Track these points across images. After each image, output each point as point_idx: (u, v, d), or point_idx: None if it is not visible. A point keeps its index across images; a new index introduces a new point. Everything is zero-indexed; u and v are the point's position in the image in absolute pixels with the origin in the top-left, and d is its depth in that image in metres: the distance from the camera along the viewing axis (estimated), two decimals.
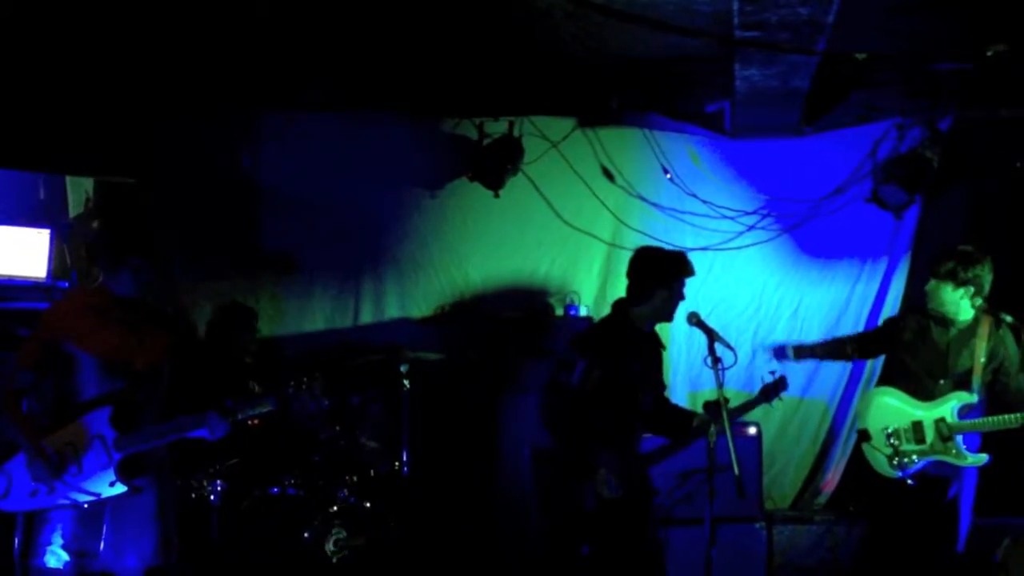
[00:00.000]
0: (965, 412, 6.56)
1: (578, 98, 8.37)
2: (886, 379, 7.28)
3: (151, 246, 5.63)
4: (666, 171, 8.57)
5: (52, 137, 7.57)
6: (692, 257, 6.09)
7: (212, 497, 6.75)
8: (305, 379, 5.75)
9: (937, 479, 6.63)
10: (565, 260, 8.73)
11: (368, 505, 7.20)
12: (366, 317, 8.75)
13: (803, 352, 7.19)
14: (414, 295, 8.76)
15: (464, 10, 6.48)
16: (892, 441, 6.61)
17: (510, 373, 8.00)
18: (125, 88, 7.71)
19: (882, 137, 8.32)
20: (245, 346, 7.76)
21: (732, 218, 8.55)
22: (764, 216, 8.56)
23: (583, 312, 8.43)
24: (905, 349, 6.82)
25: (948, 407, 6.57)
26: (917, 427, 6.62)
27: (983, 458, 6.57)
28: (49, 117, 7.48)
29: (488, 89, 8.15)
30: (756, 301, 8.61)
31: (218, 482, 6.77)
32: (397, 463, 7.47)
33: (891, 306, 8.37)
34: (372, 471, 7.49)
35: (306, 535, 6.92)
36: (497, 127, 8.43)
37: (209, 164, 8.46)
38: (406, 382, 7.44)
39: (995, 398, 6.65)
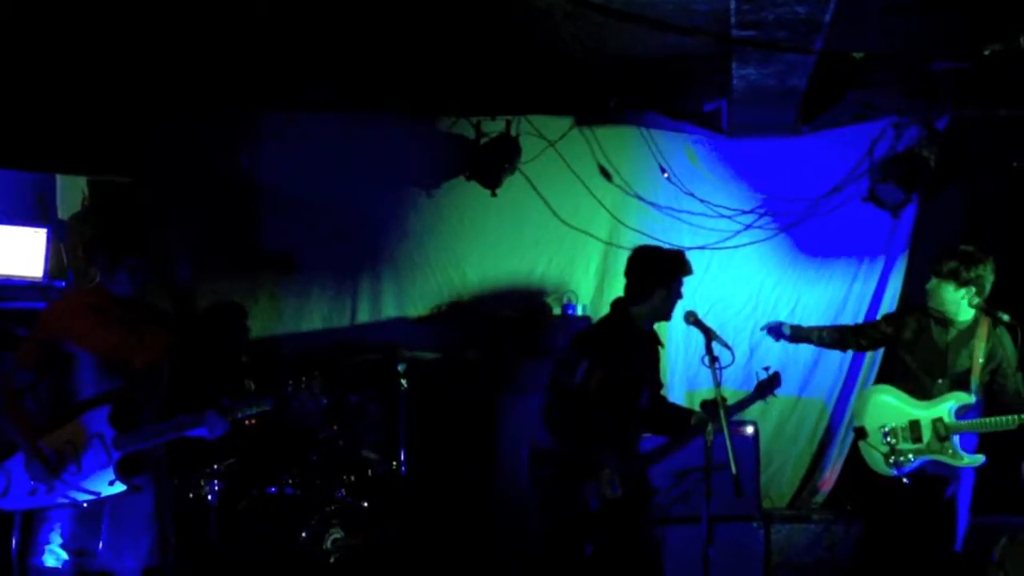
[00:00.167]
0: (963, 412, 6.56)
1: (575, 97, 8.37)
2: (884, 378, 7.28)
3: (148, 246, 5.62)
4: (663, 170, 8.58)
5: (48, 136, 7.57)
6: (689, 256, 6.09)
7: (210, 497, 6.75)
8: (304, 378, 5.75)
9: (935, 478, 6.63)
10: (562, 259, 8.74)
11: (366, 505, 7.20)
12: (364, 316, 8.75)
13: (799, 333, 7.17)
14: (411, 294, 8.76)
15: (462, 9, 6.48)
16: (889, 440, 6.61)
17: (508, 373, 7.99)
18: (122, 87, 7.71)
19: (879, 136, 8.34)
20: (239, 344, 7.76)
21: (729, 217, 8.55)
22: (761, 215, 8.56)
23: (580, 311, 8.43)
24: (904, 347, 6.81)
25: (946, 407, 6.57)
26: (914, 426, 6.61)
27: (980, 459, 6.57)
28: (45, 116, 7.47)
29: (485, 88, 8.15)
30: (753, 300, 8.61)
31: (215, 482, 6.77)
32: (395, 463, 7.47)
33: (888, 305, 8.38)
34: (370, 471, 7.49)
35: (304, 535, 6.91)
36: (494, 126, 8.44)
37: (208, 164, 8.46)
38: (403, 381, 7.44)
39: (991, 398, 6.66)
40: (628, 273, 6.02)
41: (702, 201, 8.56)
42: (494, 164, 8.32)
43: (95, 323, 5.52)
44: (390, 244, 8.72)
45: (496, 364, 8.10)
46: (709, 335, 5.83)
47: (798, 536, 7.79)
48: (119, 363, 5.54)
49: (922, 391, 6.67)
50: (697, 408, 6.14)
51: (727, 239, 8.57)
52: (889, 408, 6.73)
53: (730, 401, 5.87)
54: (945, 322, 6.67)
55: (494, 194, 8.37)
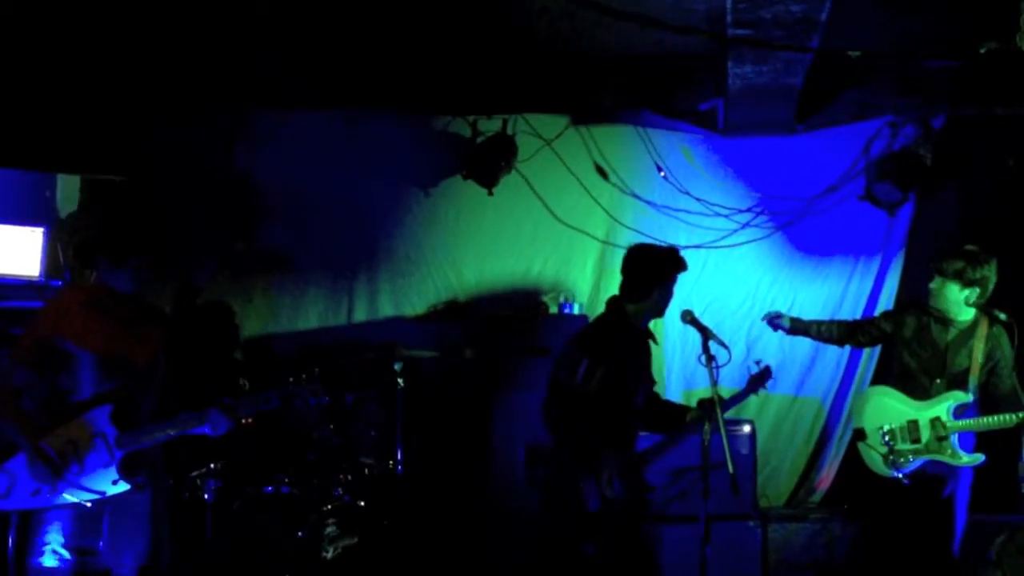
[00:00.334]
0: (961, 412, 6.55)
1: (572, 96, 8.37)
2: (880, 377, 7.27)
3: (152, 244, 5.62)
4: (660, 169, 8.58)
5: (42, 135, 7.56)
6: (686, 255, 6.09)
7: (206, 496, 6.74)
8: (304, 376, 5.75)
9: (933, 478, 6.62)
10: (559, 258, 8.73)
11: (362, 504, 7.19)
12: (360, 315, 8.74)
13: (798, 325, 7.16)
14: (408, 293, 8.75)
15: (459, 7, 6.49)
16: (887, 440, 6.61)
17: (504, 372, 7.99)
18: (116, 86, 7.70)
19: (875, 135, 8.33)
20: (232, 343, 7.77)
21: (726, 216, 8.55)
22: (758, 214, 8.56)
23: (577, 310, 8.43)
24: (904, 346, 6.79)
25: (944, 407, 6.56)
26: (912, 426, 6.61)
27: (979, 458, 6.57)
28: (39, 115, 7.47)
29: (482, 87, 8.15)
30: (750, 299, 8.61)
31: (212, 481, 6.76)
32: (391, 462, 7.46)
33: (885, 303, 8.37)
34: (366, 470, 7.49)
35: (300, 534, 6.91)
36: (491, 125, 8.43)
37: (203, 163, 8.45)
38: (400, 380, 7.42)
39: (986, 397, 6.66)
40: (625, 271, 6.02)
41: (698, 200, 8.56)
42: (491, 163, 8.31)
43: (93, 322, 5.51)
44: (387, 243, 8.71)
45: (493, 363, 8.09)
46: (706, 334, 5.85)
47: (795, 535, 7.78)
48: (117, 361, 5.54)
49: (920, 391, 6.67)
50: (695, 407, 6.15)
51: (724, 238, 8.57)
52: (887, 409, 6.72)
53: (724, 397, 5.89)
54: (946, 321, 6.66)
55: (491, 193, 8.36)
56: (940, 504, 6.66)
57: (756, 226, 8.57)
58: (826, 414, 8.63)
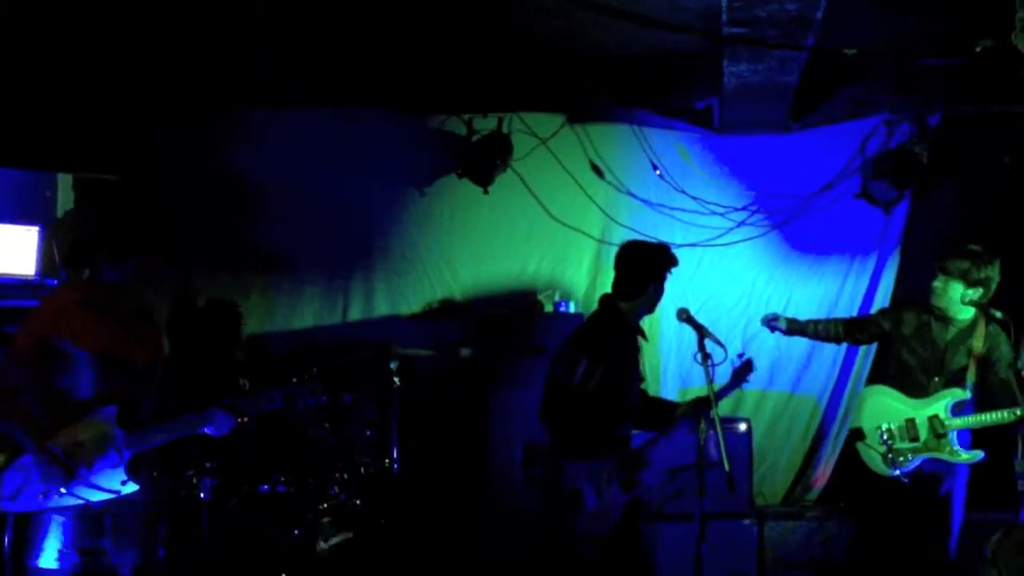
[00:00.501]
0: (959, 409, 6.56)
1: (567, 94, 8.37)
2: (877, 375, 7.27)
3: (150, 243, 5.61)
4: (655, 167, 8.57)
5: (37, 134, 7.55)
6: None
7: (202, 495, 6.73)
8: (306, 375, 5.76)
9: (930, 476, 6.62)
10: (554, 256, 8.73)
11: (358, 503, 7.19)
12: (355, 314, 8.75)
13: (794, 325, 7.16)
14: (404, 292, 8.75)
15: (455, 6, 6.48)
16: (886, 439, 6.60)
17: (500, 370, 7.99)
18: (110, 85, 7.70)
19: (871, 133, 8.33)
20: (234, 343, 7.76)
21: (721, 214, 8.55)
22: (754, 212, 8.56)
23: (573, 308, 8.43)
24: (903, 343, 6.79)
25: (942, 404, 6.56)
26: (911, 425, 6.61)
27: (978, 454, 6.57)
28: (34, 115, 7.46)
29: (477, 85, 8.14)
30: (746, 297, 8.61)
31: (208, 479, 6.76)
32: (387, 460, 7.45)
33: (881, 301, 8.37)
34: (362, 469, 7.48)
35: (296, 532, 6.91)
36: (486, 123, 8.43)
37: (197, 161, 8.46)
38: (396, 379, 7.42)
39: (981, 394, 6.66)
40: (619, 269, 6.02)
41: (694, 198, 8.55)
42: (486, 161, 8.31)
43: (91, 321, 5.49)
44: (382, 241, 8.72)
45: (489, 362, 8.09)
46: (702, 332, 5.86)
47: (791, 533, 7.77)
48: (117, 361, 5.53)
49: (918, 389, 6.66)
50: (685, 403, 6.16)
51: (719, 236, 8.57)
52: (885, 408, 6.72)
53: (720, 398, 5.90)
54: (946, 320, 6.66)
55: (486, 191, 8.36)
56: (936, 502, 6.66)
57: (752, 224, 8.57)
58: (822, 412, 8.62)
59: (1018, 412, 6.35)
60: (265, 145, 8.51)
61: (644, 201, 8.64)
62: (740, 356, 6.22)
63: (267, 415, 6.78)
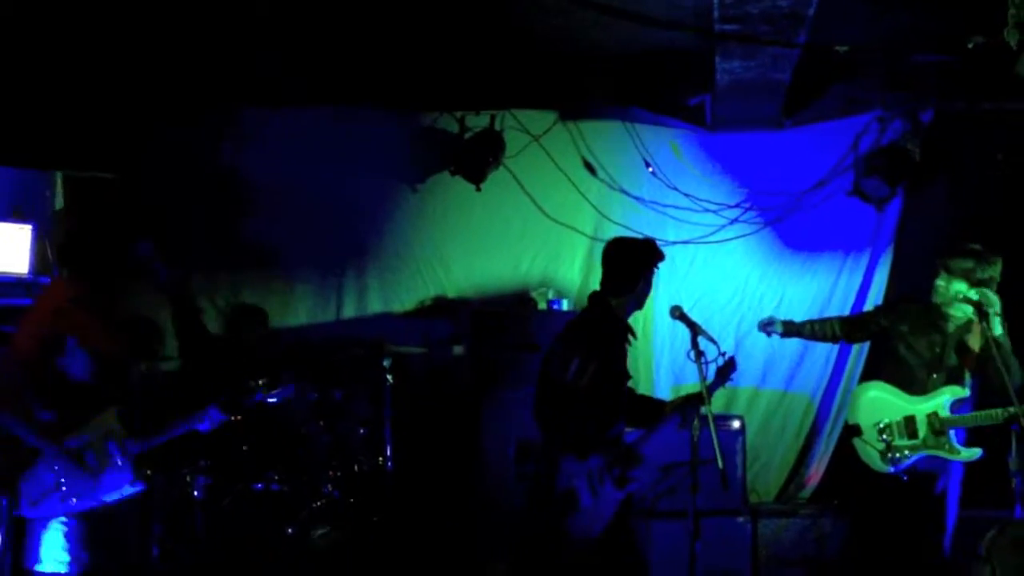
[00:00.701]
0: (957, 406, 6.55)
1: (559, 91, 8.37)
2: (870, 372, 7.25)
3: (152, 241, 5.62)
4: (648, 164, 8.57)
5: (32, 133, 7.54)
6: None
7: (196, 493, 6.73)
8: (296, 373, 5.78)
9: (925, 473, 6.62)
10: (547, 254, 8.73)
11: (352, 500, 7.19)
12: (348, 312, 8.73)
13: (791, 328, 7.16)
14: (396, 289, 8.75)
15: (448, 4, 6.48)
16: (884, 436, 6.59)
17: (493, 367, 7.98)
18: (108, 84, 7.68)
19: (864, 130, 8.32)
20: (253, 343, 7.80)
21: (714, 211, 8.55)
22: (746, 209, 8.56)
23: (566, 306, 8.42)
24: (901, 340, 6.77)
25: (941, 401, 6.55)
26: (909, 422, 6.59)
27: (976, 452, 6.55)
28: (31, 113, 7.45)
29: (469, 82, 8.14)
30: (739, 295, 8.61)
31: (202, 478, 6.75)
32: (381, 458, 7.46)
33: (874, 299, 8.37)
34: (356, 466, 7.48)
35: (290, 530, 6.91)
36: (478, 121, 8.42)
37: (191, 160, 8.44)
38: (389, 377, 7.43)
39: (981, 391, 6.66)
40: (609, 266, 6.01)
41: (687, 195, 8.55)
42: (478, 159, 8.31)
43: (89, 320, 5.50)
44: (375, 239, 8.71)
45: (482, 359, 8.09)
46: (695, 330, 5.85)
47: (785, 530, 7.77)
48: (115, 360, 5.53)
49: (917, 385, 6.65)
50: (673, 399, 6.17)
51: (712, 233, 8.56)
52: (883, 404, 6.70)
53: (713, 396, 5.90)
54: (945, 317, 6.66)
55: (479, 189, 8.36)
56: (931, 499, 6.65)
57: (744, 222, 8.57)
58: (816, 409, 8.62)
59: (1008, 411, 6.35)
60: (257, 143, 8.51)
61: (637, 198, 8.64)
62: (723, 355, 6.23)
63: (260, 413, 6.81)
